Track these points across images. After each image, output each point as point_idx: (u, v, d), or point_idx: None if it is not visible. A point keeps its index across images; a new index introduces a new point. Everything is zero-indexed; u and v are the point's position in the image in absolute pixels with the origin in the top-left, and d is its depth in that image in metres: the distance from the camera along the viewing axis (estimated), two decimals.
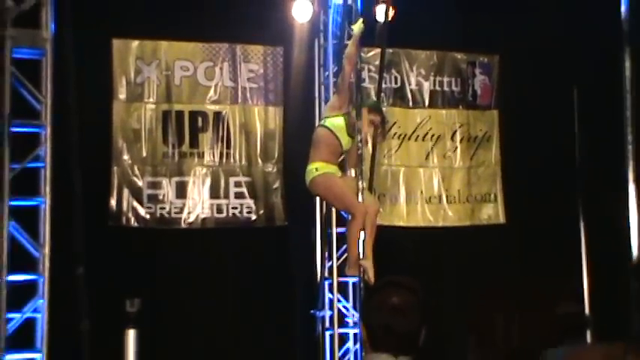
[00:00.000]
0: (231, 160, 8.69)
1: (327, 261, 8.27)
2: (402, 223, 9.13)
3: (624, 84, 5.04)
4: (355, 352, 8.19)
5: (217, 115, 8.70)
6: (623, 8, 5.08)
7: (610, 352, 2.39)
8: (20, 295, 6.29)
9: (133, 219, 8.35)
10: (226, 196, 8.65)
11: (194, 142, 8.60)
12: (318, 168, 6.56)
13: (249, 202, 8.68)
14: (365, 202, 6.48)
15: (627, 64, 5.04)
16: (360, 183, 6.62)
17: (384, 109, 7.95)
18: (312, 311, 8.28)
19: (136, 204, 8.37)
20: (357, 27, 6.74)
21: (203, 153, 8.63)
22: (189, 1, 8.32)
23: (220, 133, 8.66)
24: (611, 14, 5.19)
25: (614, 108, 5.13)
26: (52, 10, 6.46)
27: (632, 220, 5.06)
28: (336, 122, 6.58)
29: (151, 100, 8.50)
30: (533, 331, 8.36)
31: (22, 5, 6.35)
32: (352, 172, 6.98)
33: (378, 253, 7.41)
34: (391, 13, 7.67)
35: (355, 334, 8.16)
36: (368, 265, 6.45)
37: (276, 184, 8.72)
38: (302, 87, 8.56)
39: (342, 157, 6.99)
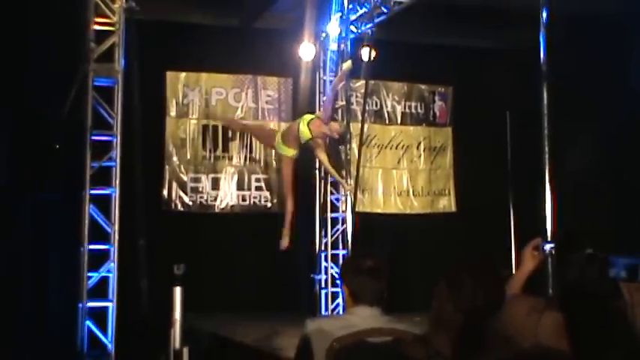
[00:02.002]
0: (253, 162, 8.78)
1: (323, 238, 8.33)
2: (379, 210, 9.21)
3: (542, 109, 5.16)
4: (344, 307, 8.26)
5: None
6: (541, 54, 5.20)
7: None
8: (97, 259, 6.29)
9: (179, 205, 8.50)
10: (249, 189, 8.75)
11: (225, 148, 8.68)
12: (278, 142, 6.51)
13: (266, 193, 8.76)
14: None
15: (545, 94, 5.16)
16: (350, 181, 6.58)
17: (366, 125, 8.04)
18: (312, 275, 8.36)
19: (182, 194, 8.49)
20: (347, 65, 6.74)
21: (232, 156, 8.74)
22: (222, 44, 8.39)
23: (245, 142, 8.73)
24: (532, 59, 5.29)
25: (535, 127, 5.22)
26: (123, 49, 6.45)
27: (547, 208, 5.18)
28: (306, 117, 6.38)
29: (194, 116, 8.62)
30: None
31: (101, 46, 6.42)
32: (322, 156, 6.81)
33: (363, 231, 7.48)
34: (373, 54, 7.80)
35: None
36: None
37: None
38: (306, 108, 8.53)
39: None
